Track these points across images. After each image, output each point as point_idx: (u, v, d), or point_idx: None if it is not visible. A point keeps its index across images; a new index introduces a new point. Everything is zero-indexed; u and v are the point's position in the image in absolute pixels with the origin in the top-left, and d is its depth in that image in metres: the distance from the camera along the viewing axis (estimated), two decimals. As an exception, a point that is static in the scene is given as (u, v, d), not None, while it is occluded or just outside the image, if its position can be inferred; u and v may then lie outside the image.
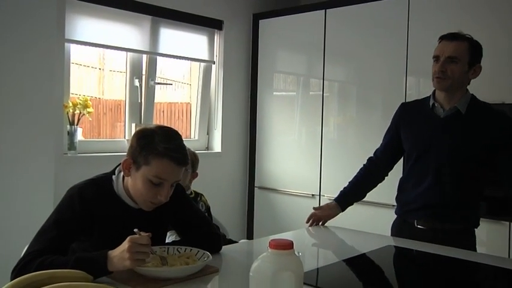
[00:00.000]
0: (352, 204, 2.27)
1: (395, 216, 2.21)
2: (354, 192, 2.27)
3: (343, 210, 2.25)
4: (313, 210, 2.27)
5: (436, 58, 2.02)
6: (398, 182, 2.20)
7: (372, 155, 2.30)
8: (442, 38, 2.03)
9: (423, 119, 2.08)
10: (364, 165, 2.31)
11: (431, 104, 2.07)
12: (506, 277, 1.66)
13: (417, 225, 2.07)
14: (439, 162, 2.02)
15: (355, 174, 2.31)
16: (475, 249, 2.05)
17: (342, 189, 2.29)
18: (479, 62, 2.02)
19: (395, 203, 2.22)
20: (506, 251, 2.75)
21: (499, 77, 2.90)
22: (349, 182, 2.29)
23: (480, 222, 2.10)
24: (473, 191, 2.05)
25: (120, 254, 1.39)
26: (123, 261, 1.39)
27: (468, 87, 2.07)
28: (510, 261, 1.96)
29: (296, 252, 1.23)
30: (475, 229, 2.09)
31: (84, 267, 1.38)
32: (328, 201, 2.32)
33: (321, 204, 2.46)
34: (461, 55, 1.97)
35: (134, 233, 1.43)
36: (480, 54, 2.03)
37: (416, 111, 2.12)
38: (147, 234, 1.43)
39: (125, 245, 1.39)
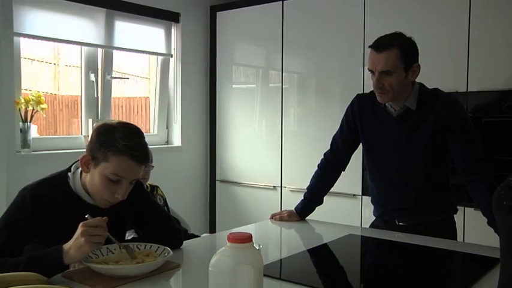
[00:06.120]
0: (313, 211, 2.25)
1: (374, 218, 2.18)
2: (313, 201, 2.23)
3: (303, 219, 2.24)
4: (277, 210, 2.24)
5: (371, 71, 1.93)
6: (356, 170, 2.21)
7: (328, 153, 2.23)
8: (371, 48, 1.92)
9: (378, 118, 2.04)
10: (319, 168, 2.24)
11: (382, 103, 2.01)
12: (457, 260, 1.74)
13: (398, 223, 2.06)
14: (400, 161, 2.00)
15: (314, 170, 2.25)
16: (455, 236, 2.06)
17: (302, 198, 2.25)
18: (416, 61, 1.92)
19: (356, 192, 2.23)
20: (460, 235, 2.84)
21: (453, 66, 2.98)
22: (308, 189, 2.24)
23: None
24: (441, 179, 2.04)
25: (75, 242, 1.36)
26: (79, 249, 1.36)
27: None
28: (464, 244, 2.02)
29: (256, 245, 1.22)
30: (454, 215, 2.08)
31: (38, 265, 1.34)
32: (290, 193, 2.32)
33: (282, 199, 2.45)
34: (394, 66, 1.86)
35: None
36: (415, 53, 1.92)
37: (371, 108, 2.06)
38: (102, 218, 1.41)
39: (78, 231, 1.36)
